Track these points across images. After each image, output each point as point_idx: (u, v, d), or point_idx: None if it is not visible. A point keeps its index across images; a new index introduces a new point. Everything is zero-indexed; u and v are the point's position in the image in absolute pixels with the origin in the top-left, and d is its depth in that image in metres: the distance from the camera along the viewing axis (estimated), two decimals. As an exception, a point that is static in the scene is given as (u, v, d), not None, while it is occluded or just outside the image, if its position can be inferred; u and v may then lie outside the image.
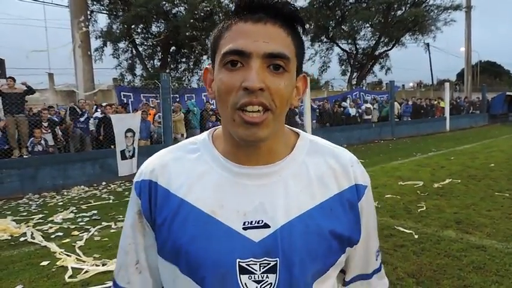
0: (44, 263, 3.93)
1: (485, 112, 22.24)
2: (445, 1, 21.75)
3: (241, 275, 0.69)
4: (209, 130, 0.81)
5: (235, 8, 0.70)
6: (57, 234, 4.90)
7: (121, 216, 5.57)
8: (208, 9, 14.81)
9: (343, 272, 0.82)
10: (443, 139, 14.93)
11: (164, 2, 14.15)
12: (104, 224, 5.25)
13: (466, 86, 28.57)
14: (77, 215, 5.78)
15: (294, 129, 0.81)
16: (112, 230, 4.98)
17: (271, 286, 0.70)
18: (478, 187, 6.46)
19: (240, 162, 0.73)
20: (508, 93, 23.05)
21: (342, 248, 0.75)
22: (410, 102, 18.61)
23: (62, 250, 4.23)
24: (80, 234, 4.82)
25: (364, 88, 22.08)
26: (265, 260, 0.69)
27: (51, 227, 5.18)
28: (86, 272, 3.66)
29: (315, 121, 14.06)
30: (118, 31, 15.11)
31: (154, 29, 15.92)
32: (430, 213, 5.05)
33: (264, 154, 0.73)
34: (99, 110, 10.11)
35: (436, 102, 20.02)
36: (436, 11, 21.67)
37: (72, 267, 3.76)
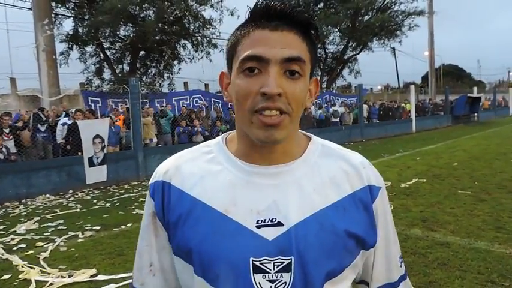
0: (5, 276, 3.76)
1: (448, 113, 23.10)
2: (409, 7, 22.49)
3: (255, 274, 0.69)
4: (222, 135, 0.84)
5: (251, 15, 0.72)
6: (19, 246, 4.70)
7: (89, 225, 5.41)
8: (177, 13, 14.68)
9: (366, 284, 0.81)
10: (409, 140, 15.40)
11: (132, 6, 13.90)
12: (71, 233, 5.07)
13: (431, 88, 29.61)
14: (42, 225, 5.57)
15: (306, 133, 0.83)
16: (79, 240, 4.83)
17: (285, 285, 0.69)
18: (443, 186, 6.70)
19: (254, 162, 0.75)
20: (469, 95, 24.02)
21: (357, 248, 0.75)
22: (377, 106, 19.08)
23: (25, 262, 4.06)
24: (45, 245, 4.64)
25: (333, 91, 22.47)
26: (279, 258, 0.69)
27: (13, 239, 4.96)
28: (51, 284, 3.52)
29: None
30: (84, 35, 14.73)
31: (122, 32, 15.61)
32: (397, 212, 5.19)
33: (278, 155, 0.75)
34: (67, 116, 9.73)
35: (403, 105, 20.63)
36: (401, 17, 22.38)
37: (35, 280, 3.61)
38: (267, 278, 0.69)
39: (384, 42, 23.97)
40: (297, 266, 0.69)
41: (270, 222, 0.71)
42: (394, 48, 28.08)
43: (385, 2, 22.16)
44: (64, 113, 10.29)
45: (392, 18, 22.06)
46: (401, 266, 0.83)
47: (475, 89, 27.13)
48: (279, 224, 0.71)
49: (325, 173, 0.76)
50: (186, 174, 0.77)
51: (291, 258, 0.69)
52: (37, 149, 8.84)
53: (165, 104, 13.48)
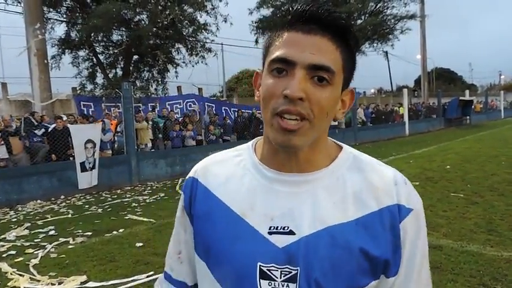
0: (-6, 284, 3.71)
1: (441, 116, 23.27)
2: (401, 11, 22.67)
3: (261, 280, 0.69)
4: (254, 139, 0.85)
5: (289, 19, 0.71)
6: (9, 252, 4.63)
7: (80, 231, 5.36)
8: (171, 17, 14.66)
9: None
10: (403, 143, 15.48)
11: (125, 11, 13.86)
12: (62, 239, 5.02)
13: (423, 91, 29.81)
14: (32, 232, 5.50)
15: (338, 142, 0.81)
16: (70, 246, 4.77)
17: None
18: (435, 189, 6.73)
19: (276, 168, 0.75)
20: (461, 98, 24.24)
21: (374, 271, 0.69)
22: (370, 109, 19.17)
23: (15, 270, 4.00)
24: (35, 252, 4.58)
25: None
26: (287, 267, 0.68)
27: (2, 246, 4.90)
28: (41, 291, 3.48)
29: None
30: (77, 39, 14.65)
31: (115, 37, 15.55)
32: (390, 215, 5.19)
33: (301, 163, 0.73)
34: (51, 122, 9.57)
35: (396, 108, 20.75)
36: (393, 20, 22.56)
37: (25, 288, 3.56)
38: (272, 285, 0.69)
39: (376, 46, 24.16)
40: (303, 278, 0.67)
41: (282, 230, 0.70)
42: (386, 52, 28.34)
43: (377, 6, 22.33)
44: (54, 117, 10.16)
45: (384, 22, 22.22)
46: None
47: (467, 92, 27.37)
48: (291, 232, 0.70)
49: (350, 187, 0.72)
50: (214, 174, 0.80)
51: (297, 269, 0.68)
52: (31, 154, 8.74)
53: (158, 108, 13.45)
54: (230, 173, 0.79)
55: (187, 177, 0.85)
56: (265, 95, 0.69)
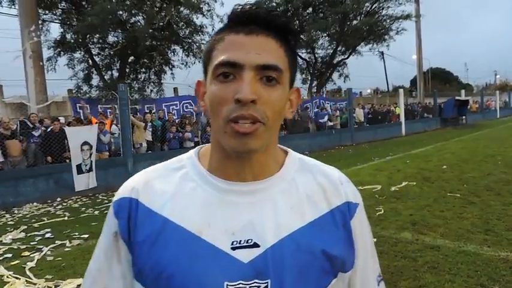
0: (-10, 288, 3.68)
1: (437, 116, 23.36)
2: (396, 11, 22.78)
3: None
4: (196, 148, 0.79)
5: (228, 22, 0.69)
6: (5, 255, 4.60)
7: (76, 234, 5.33)
8: (167, 19, 14.64)
9: None
10: (399, 143, 15.52)
11: (120, 12, 13.83)
12: (58, 242, 4.99)
13: (419, 91, 29.93)
14: (29, 234, 5.47)
15: (283, 147, 0.80)
16: (66, 249, 4.75)
17: None
18: (432, 189, 6.74)
19: (228, 178, 0.71)
20: (457, 97, 24.35)
21: (333, 270, 0.71)
22: (366, 109, 19.22)
23: (11, 273, 3.98)
24: (31, 255, 4.56)
25: (323, 96, 22.59)
26: (255, 282, 0.65)
27: (-1, 249, 4.87)
28: (37, 295, 3.46)
29: (284, 132, 14.29)
30: (72, 41, 14.61)
31: (111, 38, 15.52)
32: (387, 216, 5.20)
33: (254, 169, 0.71)
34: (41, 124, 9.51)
35: (392, 108, 20.81)
36: (388, 21, 22.64)
37: (21, 291, 3.54)
38: None
39: (372, 47, 24.24)
40: None
41: (245, 244, 0.67)
42: (382, 53, 28.40)
43: (373, 7, 22.40)
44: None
45: (380, 22, 22.30)
46: (378, 285, 0.79)
47: (463, 92, 27.50)
48: (255, 245, 0.67)
49: (302, 190, 0.73)
50: (156, 192, 0.71)
51: (267, 282, 0.66)
52: (28, 156, 8.70)
53: (155, 110, 13.42)
54: (176, 188, 0.72)
55: (117, 197, 0.73)
56: (214, 102, 0.66)
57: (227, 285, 0.65)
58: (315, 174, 0.76)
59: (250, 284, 0.65)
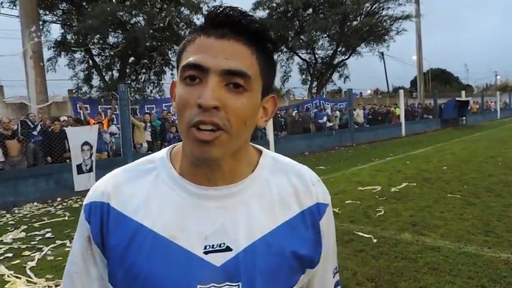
0: (-9, 288, 3.68)
1: (437, 117, 23.34)
2: (396, 11, 22.80)
3: None
4: (168, 147, 0.78)
5: (202, 23, 0.68)
6: (6, 255, 4.60)
7: (77, 234, 5.33)
8: (168, 19, 14.65)
9: None
10: (399, 144, 15.51)
11: (121, 13, 13.84)
12: (58, 242, 4.99)
13: (419, 92, 29.94)
14: (29, 234, 5.47)
15: (257, 146, 0.79)
16: (67, 249, 4.74)
17: None
18: (432, 190, 6.74)
19: (199, 183, 0.70)
20: (457, 98, 24.32)
21: (302, 268, 0.73)
22: (366, 110, 19.22)
23: (11, 272, 3.98)
24: (32, 254, 4.56)
25: (323, 96, 22.61)
26: (226, 285, 0.67)
27: (-1, 248, 4.88)
28: (38, 295, 3.46)
29: (285, 132, 14.29)
30: (73, 41, 14.62)
31: (111, 39, 15.54)
32: (387, 217, 5.20)
33: (225, 174, 0.70)
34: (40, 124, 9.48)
35: (393, 109, 20.80)
36: (388, 21, 22.65)
37: (22, 291, 3.54)
38: None
39: (372, 47, 24.27)
40: None
41: (218, 248, 0.68)
42: (382, 53, 28.42)
43: (373, 7, 22.41)
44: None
45: (380, 22, 22.31)
46: (334, 277, 0.83)
47: (463, 92, 27.46)
48: (228, 249, 0.68)
49: (275, 191, 0.74)
50: (127, 196, 0.70)
51: (238, 284, 0.67)
52: (28, 156, 8.70)
53: (155, 110, 13.43)
54: (148, 191, 0.71)
55: (88, 201, 0.73)
56: (179, 105, 0.65)
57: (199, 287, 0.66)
58: (288, 174, 0.77)
59: (222, 286, 0.67)
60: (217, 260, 0.67)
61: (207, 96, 0.61)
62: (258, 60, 0.67)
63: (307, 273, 0.76)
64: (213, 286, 0.66)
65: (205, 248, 0.67)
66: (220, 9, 0.66)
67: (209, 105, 0.61)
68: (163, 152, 0.77)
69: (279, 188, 0.74)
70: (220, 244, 0.68)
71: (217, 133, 0.63)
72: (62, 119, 10.49)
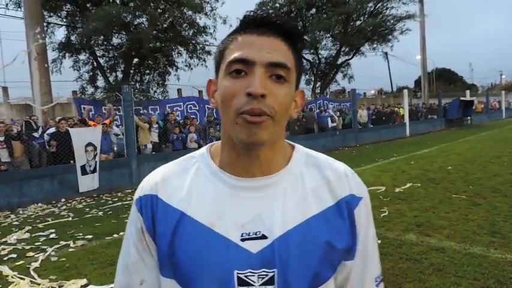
0: (-5, 288, 3.69)
1: (442, 117, 23.23)
2: (400, 11, 22.70)
3: (239, 287, 0.70)
4: (208, 145, 0.84)
5: (240, 24, 0.75)
6: (10, 256, 4.61)
7: (81, 234, 5.34)
8: (171, 20, 14.67)
9: None
10: (404, 144, 15.45)
11: (124, 14, 13.88)
12: (62, 243, 5.00)
13: (423, 92, 29.79)
14: (33, 235, 5.49)
15: (290, 142, 0.84)
16: (70, 249, 4.75)
17: None
18: (437, 190, 6.70)
19: (238, 174, 0.76)
20: (462, 98, 24.20)
21: (338, 259, 0.76)
22: (370, 111, 19.15)
23: (15, 273, 3.99)
24: (36, 255, 4.57)
25: (327, 96, 22.54)
26: (263, 271, 0.71)
27: (3, 249, 4.88)
28: (41, 296, 3.46)
29: (288, 132, 14.26)
30: (77, 43, 14.68)
31: (115, 40, 15.58)
32: (392, 217, 5.17)
33: (262, 165, 0.75)
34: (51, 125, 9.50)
35: (397, 109, 20.71)
36: (392, 21, 22.56)
37: (25, 292, 3.54)
38: None
39: (376, 47, 24.18)
40: (280, 278, 0.71)
41: (254, 235, 0.72)
42: (386, 53, 28.33)
43: (376, 7, 22.34)
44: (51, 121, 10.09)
45: (383, 22, 22.23)
46: (377, 286, 0.81)
47: (468, 92, 27.34)
48: (263, 236, 0.72)
49: (309, 184, 0.77)
50: (173, 188, 0.77)
51: (274, 271, 0.71)
52: (32, 156, 8.73)
53: (159, 111, 13.45)
54: (190, 184, 0.77)
55: (140, 194, 0.79)
56: (226, 96, 0.70)
57: (237, 273, 0.71)
58: (321, 168, 0.80)
59: (259, 272, 0.71)
60: (254, 247, 0.71)
61: (257, 85, 0.67)
62: (293, 55, 0.74)
63: (343, 266, 0.77)
64: (249, 272, 0.71)
65: (241, 235, 0.72)
66: (258, 11, 0.74)
67: (258, 93, 0.67)
68: (204, 149, 0.83)
69: (312, 181, 0.78)
70: (256, 232, 0.72)
71: (264, 117, 0.68)
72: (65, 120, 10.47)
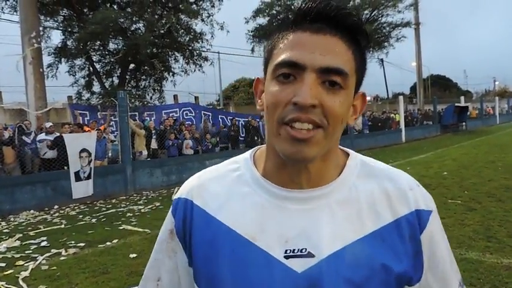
0: (-18, 297, 3.61)
1: (437, 123, 23.34)
2: (395, 19, 22.86)
3: None
4: (252, 149, 0.77)
5: (293, 18, 0.64)
6: (-1, 265, 4.53)
7: (73, 242, 5.26)
8: (167, 26, 14.67)
9: None
10: (399, 150, 15.48)
11: (121, 20, 13.86)
12: (54, 251, 4.92)
13: (419, 98, 29.92)
14: (24, 243, 5.39)
15: (344, 148, 0.74)
16: (62, 258, 4.67)
17: None
18: (433, 195, 6.40)
19: (283, 185, 0.67)
20: (457, 104, 24.35)
21: (398, 284, 0.66)
22: (366, 117, 19.18)
23: (3, 283, 3.90)
24: (26, 264, 4.48)
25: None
26: None
27: (-8, 257, 4.79)
28: (30, 305, 3.38)
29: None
30: (73, 48, 14.63)
31: (112, 46, 15.55)
32: (387, 223, 5.13)
33: (311, 176, 0.66)
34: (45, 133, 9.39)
35: (392, 115, 20.79)
36: (387, 28, 22.72)
37: (13, 301, 3.47)
38: None
39: (371, 54, 24.32)
40: None
41: (299, 253, 0.64)
42: (382, 60, 28.49)
43: (372, 14, 22.49)
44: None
45: (379, 29, 22.38)
46: None
47: (462, 98, 27.50)
48: (310, 255, 0.63)
49: (364, 198, 0.67)
50: (211, 195, 0.71)
51: None
52: (25, 162, 8.62)
53: (154, 117, 13.40)
54: (230, 191, 0.70)
55: (176, 196, 0.75)
56: (271, 103, 0.62)
57: None
58: (379, 179, 0.70)
59: None
60: (299, 265, 0.63)
61: (305, 95, 0.59)
62: (353, 56, 0.64)
63: None
64: None
65: (285, 252, 0.64)
66: (315, 2, 0.63)
67: (307, 104, 0.58)
68: (248, 153, 0.75)
69: (367, 195, 0.68)
70: (302, 249, 0.64)
71: (313, 132, 0.60)
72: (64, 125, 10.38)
